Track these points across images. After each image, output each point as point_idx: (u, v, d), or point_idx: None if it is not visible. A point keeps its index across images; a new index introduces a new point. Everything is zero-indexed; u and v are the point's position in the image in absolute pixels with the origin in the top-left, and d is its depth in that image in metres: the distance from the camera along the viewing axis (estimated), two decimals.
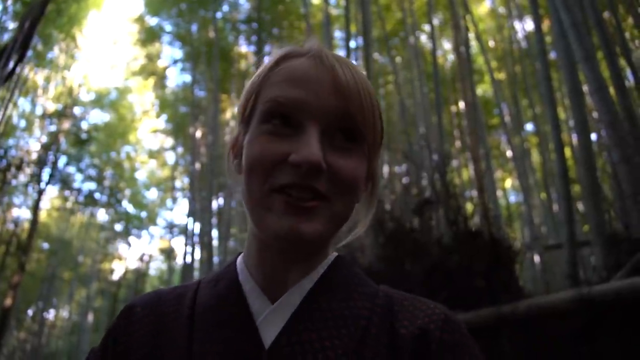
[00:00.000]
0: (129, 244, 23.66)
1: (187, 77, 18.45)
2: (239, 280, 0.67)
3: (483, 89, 15.63)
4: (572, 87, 3.95)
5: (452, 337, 0.60)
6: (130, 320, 0.68)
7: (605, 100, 3.13)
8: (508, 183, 17.76)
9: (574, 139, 9.41)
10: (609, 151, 4.60)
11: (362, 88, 0.63)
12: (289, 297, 0.63)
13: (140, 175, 23.53)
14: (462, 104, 13.94)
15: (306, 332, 0.59)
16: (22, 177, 15.64)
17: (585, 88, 4.43)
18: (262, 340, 0.59)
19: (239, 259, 0.71)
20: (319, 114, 0.60)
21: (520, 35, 13.26)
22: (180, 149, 19.19)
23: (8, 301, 13.32)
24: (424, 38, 14.31)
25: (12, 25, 12.27)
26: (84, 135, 17.67)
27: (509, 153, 15.17)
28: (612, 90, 3.50)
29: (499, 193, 14.49)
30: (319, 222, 0.59)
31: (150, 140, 24.48)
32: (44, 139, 16.48)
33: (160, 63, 17.77)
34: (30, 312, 20.17)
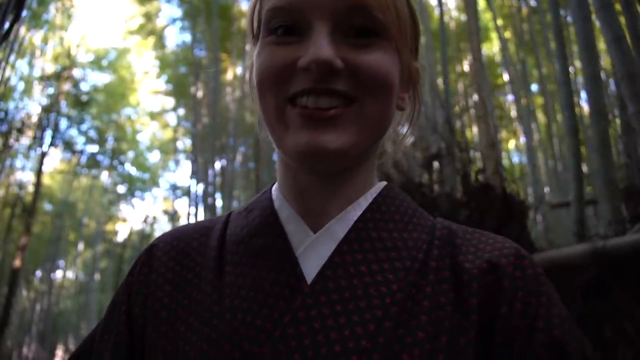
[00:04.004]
0: (133, 206, 23.82)
1: (187, 37, 18.14)
2: (274, 208, 0.60)
3: (487, 48, 15.34)
4: (584, 38, 3.85)
5: (526, 273, 0.53)
6: (151, 260, 0.62)
7: (622, 51, 3.05)
8: (511, 144, 17.67)
9: (579, 101, 9.32)
10: (620, 106, 4.53)
11: None
12: (334, 226, 0.56)
13: (142, 137, 23.48)
14: (466, 64, 13.71)
15: (354, 265, 0.53)
16: (24, 141, 15.59)
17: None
18: (303, 272, 0.53)
19: (274, 187, 0.65)
20: (325, 9, 0.52)
21: None
22: (181, 111, 19.03)
23: (17, 262, 13.52)
24: None
25: None
26: (84, 97, 17.50)
27: (513, 113, 15.03)
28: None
29: (503, 154, 14.44)
30: (345, 130, 0.52)
31: (151, 101, 24.28)
32: (44, 101, 16.33)
33: (159, 22, 17.40)
34: (38, 273, 20.50)
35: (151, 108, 21.74)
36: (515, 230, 3.17)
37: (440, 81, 8.86)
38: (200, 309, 0.55)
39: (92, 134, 18.98)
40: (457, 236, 0.58)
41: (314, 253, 0.55)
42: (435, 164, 3.99)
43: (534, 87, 13.91)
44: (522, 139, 12.85)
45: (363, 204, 0.59)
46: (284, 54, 0.53)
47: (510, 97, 14.94)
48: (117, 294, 0.63)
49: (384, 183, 0.64)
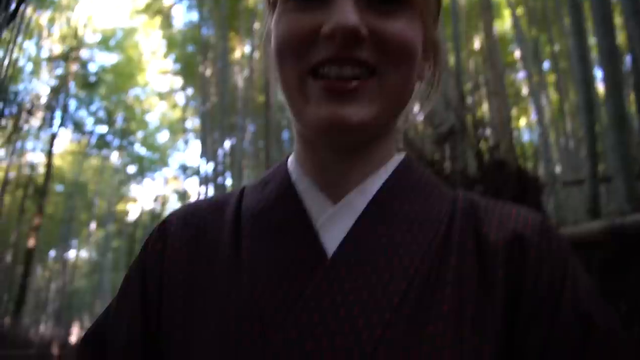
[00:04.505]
0: (143, 186, 23.99)
1: (194, 16, 17.99)
2: (291, 181, 0.58)
3: (499, 25, 15.08)
4: (601, 11, 3.76)
5: (552, 245, 0.51)
6: (164, 237, 0.60)
7: None
8: (522, 122, 17.50)
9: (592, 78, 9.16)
10: (635, 83, 4.45)
11: None
12: (353, 198, 0.54)
13: (151, 118, 23.52)
14: (477, 41, 13.51)
15: (376, 237, 0.51)
16: (34, 122, 15.66)
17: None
18: (322, 246, 0.51)
19: (290, 159, 0.62)
20: None
21: None
22: (190, 90, 18.99)
23: (31, 242, 13.73)
24: None
25: None
26: (92, 78, 17.52)
27: (524, 91, 14.83)
28: None
29: (514, 132, 14.30)
30: (367, 102, 0.50)
31: (159, 81, 24.24)
32: (53, 82, 16.36)
33: (166, 1, 17.25)
34: (52, 253, 20.83)
35: (159, 88, 21.73)
36: (530, 207, 3.14)
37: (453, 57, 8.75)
38: (218, 284, 0.53)
39: (102, 114, 19.05)
40: (479, 208, 0.56)
41: (334, 226, 0.53)
42: (448, 142, 3.95)
43: (546, 65, 13.71)
44: (534, 117, 12.70)
45: (383, 175, 0.57)
46: (305, 21, 0.50)
47: (521, 75, 14.73)
48: (130, 271, 0.61)
49: (403, 154, 0.61)
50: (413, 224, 0.53)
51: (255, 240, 0.55)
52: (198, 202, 0.65)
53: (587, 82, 4.34)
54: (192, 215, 0.61)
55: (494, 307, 0.48)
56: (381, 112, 0.52)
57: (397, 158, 0.60)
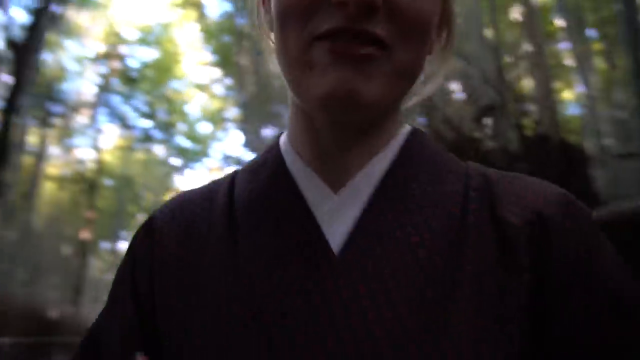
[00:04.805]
0: (186, 177, 24.56)
1: (228, 6, 18.09)
2: (285, 165, 0.53)
3: None
4: None
5: (577, 222, 0.48)
6: (152, 233, 0.56)
7: None
8: (567, 94, 16.80)
9: None
10: None
11: None
12: (358, 183, 0.50)
13: (191, 109, 23.93)
14: (516, 12, 13.00)
15: (386, 227, 0.47)
16: (82, 120, 16.25)
17: None
18: (326, 239, 0.47)
19: (282, 139, 0.57)
20: None
21: None
22: (228, 80, 19.19)
23: (85, 235, 14.35)
24: None
25: None
26: (133, 74, 17.96)
27: (567, 62, 14.21)
28: None
29: (558, 105, 13.76)
30: (379, 77, 0.45)
31: (197, 73, 24.60)
32: (97, 80, 16.90)
33: None
34: (105, 245, 21.67)
35: (198, 80, 22.04)
36: (577, 182, 3.03)
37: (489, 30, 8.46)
38: (214, 282, 0.49)
39: (144, 109, 19.53)
40: (494, 184, 0.51)
41: (337, 215, 0.48)
42: (487, 118, 3.84)
43: (590, 33, 13.08)
44: (579, 89, 12.19)
45: (389, 155, 0.52)
46: None
47: (563, 45, 14.12)
48: (119, 272, 0.58)
49: (408, 128, 0.56)
50: (425, 210, 0.48)
51: (251, 235, 0.51)
52: (186, 193, 0.61)
53: (637, 47, 4.12)
54: (181, 209, 0.57)
55: (518, 297, 0.45)
56: (392, 89, 0.47)
57: (403, 133, 0.55)
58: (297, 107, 0.53)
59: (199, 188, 0.61)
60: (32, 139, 14.81)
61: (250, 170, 0.57)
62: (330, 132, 0.51)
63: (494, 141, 3.71)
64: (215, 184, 0.59)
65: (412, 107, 0.61)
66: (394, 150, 0.52)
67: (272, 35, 0.54)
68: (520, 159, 3.24)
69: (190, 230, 0.54)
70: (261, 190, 0.53)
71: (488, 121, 3.84)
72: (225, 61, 17.37)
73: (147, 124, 20.15)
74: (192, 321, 0.49)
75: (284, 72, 0.50)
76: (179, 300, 0.51)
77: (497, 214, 0.48)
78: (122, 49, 17.76)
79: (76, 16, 15.24)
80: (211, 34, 17.72)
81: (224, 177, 0.59)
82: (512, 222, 0.47)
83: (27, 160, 14.77)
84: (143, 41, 19.12)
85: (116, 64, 17.37)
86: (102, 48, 16.91)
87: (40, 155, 15.44)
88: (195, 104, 23.40)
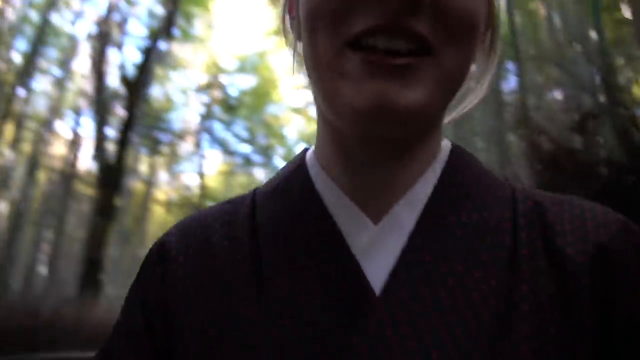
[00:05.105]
0: None
1: None
2: (315, 188, 0.48)
3: None
4: None
5: None
6: (164, 262, 0.50)
7: None
8: None
9: None
10: None
11: None
12: (399, 212, 0.44)
13: (289, 132, 24.63)
14: (626, 10, 11.74)
15: (433, 264, 0.42)
16: (187, 147, 17.31)
17: None
18: (366, 277, 0.42)
19: (308, 155, 0.51)
20: None
21: None
22: None
23: None
24: None
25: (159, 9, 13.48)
26: (233, 101, 18.90)
27: None
28: None
29: None
30: (422, 86, 0.40)
31: (293, 97, 25.49)
32: (200, 109, 17.97)
33: None
34: None
35: (294, 104, 22.68)
36: None
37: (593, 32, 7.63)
38: (238, 326, 0.44)
39: (244, 134, 20.43)
40: (545, 209, 0.46)
41: (378, 250, 0.43)
42: (588, 127, 3.30)
43: None
44: None
45: (431, 178, 0.47)
46: None
47: None
48: (130, 300, 0.52)
49: (449, 145, 0.51)
50: (474, 241, 0.43)
51: (280, 273, 0.45)
52: (199, 215, 0.55)
53: None
54: (195, 235, 0.52)
55: (582, 342, 0.40)
56: (437, 98, 0.42)
57: (444, 152, 0.49)
58: (325, 119, 0.48)
59: (211, 209, 0.55)
60: (142, 166, 16.00)
61: (274, 192, 0.51)
62: (366, 150, 0.46)
63: (597, 153, 3.18)
64: (233, 205, 0.54)
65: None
66: (437, 172, 0.48)
67: (299, 46, 0.49)
68: (627, 170, 2.70)
69: (208, 263, 0.49)
70: (288, 218, 0.48)
71: (589, 130, 3.31)
72: None
73: (247, 148, 21.08)
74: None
75: (312, 82, 0.45)
76: (200, 344, 0.45)
77: (554, 246, 0.44)
78: (222, 79, 18.82)
79: (180, 50, 16.40)
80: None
81: (241, 197, 0.55)
82: (572, 256, 0.43)
83: (138, 186, 15.93)
84: (241, 70, 20.15)
85: (217, 93, 18.41)
86: (204, 78, 18.03)
87: (150, 182, 16.63)
88: (292, 127, 24.12)
